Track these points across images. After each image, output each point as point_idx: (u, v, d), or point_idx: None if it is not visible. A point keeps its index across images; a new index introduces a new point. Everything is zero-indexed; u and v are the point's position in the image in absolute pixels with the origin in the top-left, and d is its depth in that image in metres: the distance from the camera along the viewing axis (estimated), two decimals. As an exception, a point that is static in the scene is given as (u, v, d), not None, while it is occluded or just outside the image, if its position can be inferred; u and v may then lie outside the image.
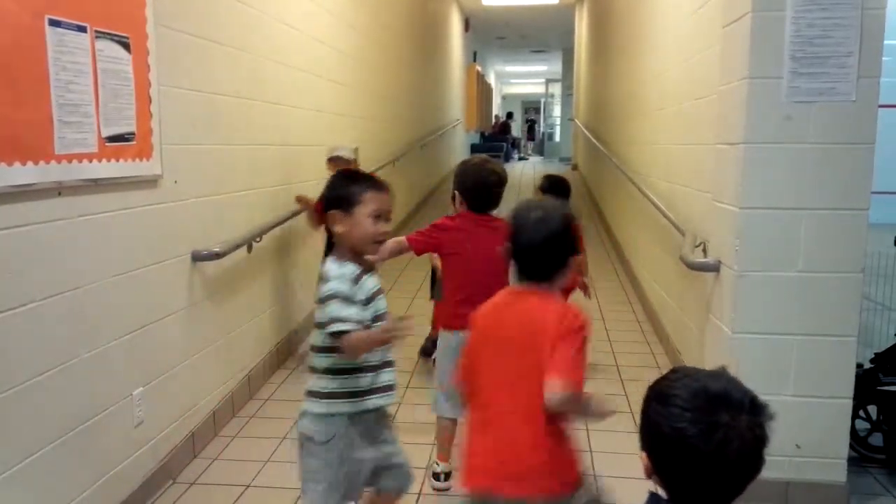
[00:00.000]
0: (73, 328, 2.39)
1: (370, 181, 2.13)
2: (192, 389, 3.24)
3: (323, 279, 2.07)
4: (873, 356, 3.17)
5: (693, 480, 1.14)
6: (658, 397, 1.18)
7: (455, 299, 2.88)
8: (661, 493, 1.22)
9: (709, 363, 3.06)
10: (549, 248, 1.82)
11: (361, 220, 2.07)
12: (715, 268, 2.96)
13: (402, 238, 2.98)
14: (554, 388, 1.69)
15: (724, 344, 2.83)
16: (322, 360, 2.11)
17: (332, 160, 4.40)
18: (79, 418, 2.43)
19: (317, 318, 2.07)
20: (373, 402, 2.15)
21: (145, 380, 2.83)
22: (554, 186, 4.04)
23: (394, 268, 6.76)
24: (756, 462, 1.13)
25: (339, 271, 2.06)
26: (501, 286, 2.85)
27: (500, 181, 2.94)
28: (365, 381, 2.12)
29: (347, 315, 2.00)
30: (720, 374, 1.20)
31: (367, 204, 2.07)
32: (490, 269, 2.86)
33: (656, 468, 1.19)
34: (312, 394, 2.13)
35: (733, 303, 2.75)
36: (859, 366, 2.93)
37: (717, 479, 1.13)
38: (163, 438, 2.97)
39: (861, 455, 3.09)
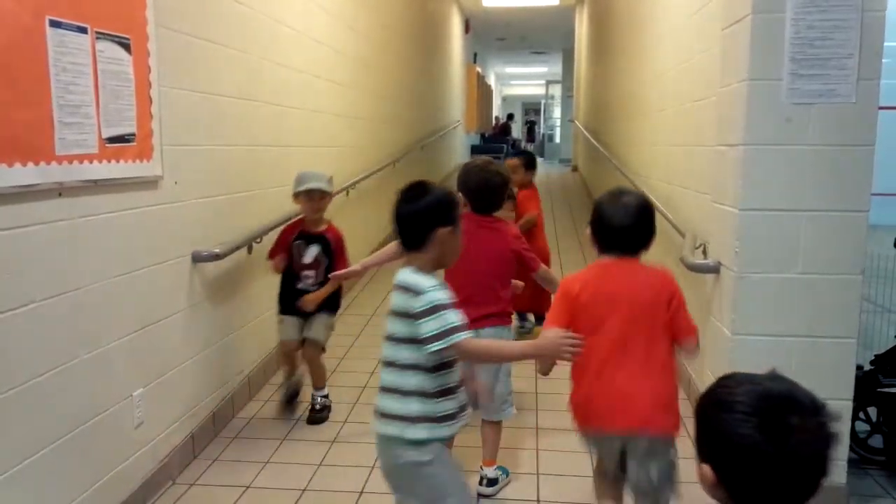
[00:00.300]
0: (74, 329, 2.39)
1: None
2: (192, 390, 3.24)
3: (411, 291, 1.95)
4: (873, 358, 3.17)
5: (766, 487, 1.10)
6: (720, 405, 1.13)
7: (456, 300, 2.88)
8: None
9: (709, 365, 3.06)
10: (642, 227, 2.26)
11: (459, 236, 2.07)
12: (715, 269, 2.96)
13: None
14: (692, 343, 2.18)
15: (723, 345, 2.84)
16: (431, 381, 1.96)
17: (307, 194, 3.49)
18: (79, 419, 2.43)
19: (414, 333, 1.93)
20: (460, 424, 2.05)
21: (145, 381, 2.84)
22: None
23: (394, 268, 6.77)
24: (827, 462, 1.12)
25: (431, 280, 1.98)
26: (504, 286, 2.88)
27: (504, 183, 2.96)
28: (456, 401, 2.02)
29: (460, 320, 1.93)
30: (778, 376, 1.16)
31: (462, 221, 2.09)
32: (491, 269, 2.87)
33: (722, 479, 1.13)
34: (405, 419, 1.97)
35: (733, 304, 2.76)
36: (859, 367, 2.93)
37: (792, 483, 1.10)
38: (163, 439, 2.97)
39: (861, 457, 3.09)
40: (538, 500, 2.90)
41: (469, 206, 2.93)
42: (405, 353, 1.97)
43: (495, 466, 2.96)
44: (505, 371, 2.92)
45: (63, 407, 2.34)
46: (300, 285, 3.60)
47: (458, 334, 1.91)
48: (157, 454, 2.94)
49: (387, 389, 2.01)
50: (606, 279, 2.23)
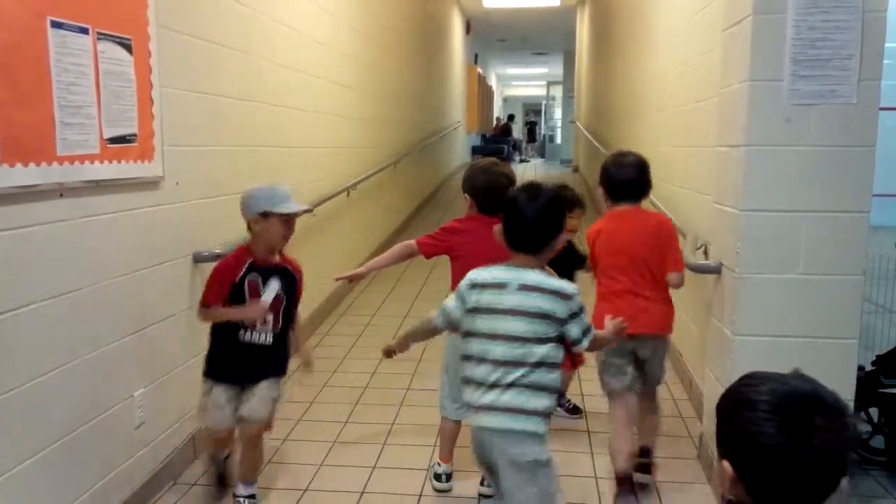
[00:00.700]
0: (75, 329, 2.39)
1: None
2: (193, 391, 3.22)
3: (559, 295, 2.05)
4: (874, 359, 3.17)
5: (786, 486, 1.10)
6: (743, 404, 1.13)
7: None
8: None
9: (710, 365, 3.06)
10: (641, 179, 2.88)
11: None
12: (716, 270, 2.96)
13: (412, 242, 2.98)
14: (676, 277, 2.80)
15: (725, 346, 2.83)
16: (556, 376, 2.09)
17: (286, 217, 2.72)
18: (80, 419, 2.43)
19: (558, 332, 2.06)
20: None
21: (146, 381, 2.84)
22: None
23: (395, 269, 6.77)
24: (847, 463, 1.12)
25: (571, 284, 2.12)
26: None
27: (510, 184, 2.92)
28: None
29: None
30: (802, 375, 1.16)
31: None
32: None
33: (742, 476, 1.13)
34: (538, 413, 2.05)
35: (734, 305, 2.75)
36: (860, 368, 2.93)
37: (812, 482, 1.10)
38: (164, 439, 2.98)
39: (862, 458, 3.09)
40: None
41: (475, 207, 2.93)
42: (543, 351, 2.04)
43: None
44: None
45: (64, 407, 2.34)
46: (250, 337, 2.72)
47: (593, 331, 2.13)
48: (158, 454, 2.94)
49: (520, 385, 2.04)
50: (618, 225, 2.85)
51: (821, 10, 2.56)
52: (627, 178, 2.86)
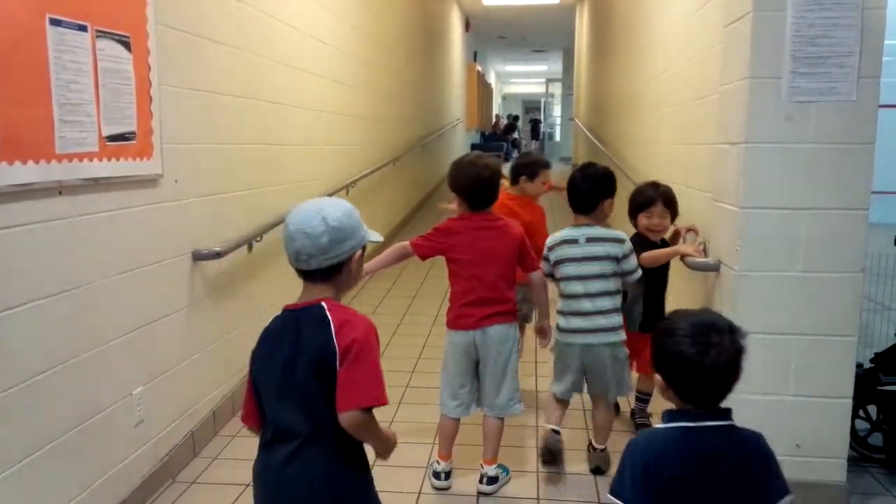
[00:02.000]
0: (74, 327, 2.39)
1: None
2: (192, 388, 3.24)
3: (616, 240, 2.95)
4: (873, 356, 3.17)
5: (697, 386, 1.57)
6: (665, 332, 1.61)
7: (462, 302, 2.89)
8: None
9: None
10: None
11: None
12: (715, 268, 2.96)
13: (406, 243, 2.97)
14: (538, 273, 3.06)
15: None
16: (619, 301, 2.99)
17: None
18: (79, 417, 2.43)
19: (619, 269, 2.94)
20: None
21: (146, 379, 2.84)
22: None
23: (393, 268, 6.77)
24: (739, 368, 1.58)
25: (622, 232, 3.02)
26: (508, 284, 2.86)
27: (494, 176, 2.90)
28: None
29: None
30: (707, 310, 1.74)
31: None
32: (496, 269, 2.86)
33: (670, 383, 1.61)
34: (621, 327, 2.98)
35: (734, 303, 2.75)
36: (859, 365, 2.93)
37: (714, 383, 1.56)
38: (163, 437, 2.98)
39: (861, 455, 3.10)
40: (538, 499, 2.90)
41: (465, 204, 2.91)
42: (613, 284, 2.95)
43: (496, 465, 2.96)
44: (512, 368, 2.91)
45: (63, 405, 2.35)
46: None
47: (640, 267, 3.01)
48: (158, 452, 2.94)
49: (606, 311, 2.92)
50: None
51: (820, 7, 2.55)
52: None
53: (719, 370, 1.54)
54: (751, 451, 1.57)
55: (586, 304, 2.92)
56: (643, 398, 3.49)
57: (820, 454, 2.75)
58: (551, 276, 3.03)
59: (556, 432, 3.02)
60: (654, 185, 3.41)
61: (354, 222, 1.72)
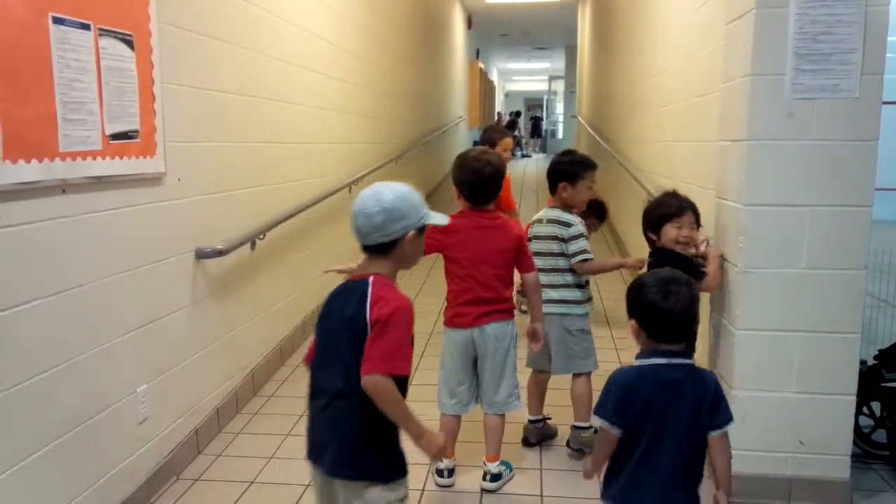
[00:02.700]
0: (78, 325, 2.40)
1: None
2: (195, 386, 3.24)
3: (565, 223, 3.14)
4: (877, 353, 3.16)
5: (662, 326, 1.94)
6: (637, 286, 2.01)
7: (459, 301, 2.89)
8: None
9: (712, 360, 3.06)
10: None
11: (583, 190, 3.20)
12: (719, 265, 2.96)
13: None
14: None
15: (727, 340, 2.83)
16: (574, 278, 3.17)
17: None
18: (83, 415, 2.44)
19: (569, 250, 3.13)
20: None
21: (149, 377, 2.84)
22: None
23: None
24: (695, 312, 1.96)
25: (577, 219, 3.18)
26: (504, 284, 2.86)
27: (496, 172, 2.87)
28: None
29: (589, 248, 3.15)
30: (668, 269, 2.05)
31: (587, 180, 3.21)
32: (492, 270, 2.85)
33: (641, 325, 1.98)
34: (574, 302, 3.17)
35: (737, 299, 2.75)
36: (863, 362, 2.92)
37: (675, 322, 1.94)
38: (167, 435, 2.98)
39: (864, 451, 3.10)
40: (542, 496, 2.90)
41: (464, 199, 2.91)
42: (563, 262, 3.15)
43: (498, 462, 2.96)
44: (511, 365, 2.91)
45: (67, 403, 2.35)
46: None
47: (587, 254, 3.13)
48: (162, 450, 2.95)
49: (556, 286, 3.15)
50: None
51: (823, 4, 2.55)
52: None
53: (678, 312, 1.92)
54: (706, 386, 1.95)
55: (542, 278, 3.04)
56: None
57: (824, 451, 2.75)
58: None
59: (533, 422, 3.33)
60: (676, 195, 2.99)
61: (409, 204, 1.91)
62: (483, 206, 2.89)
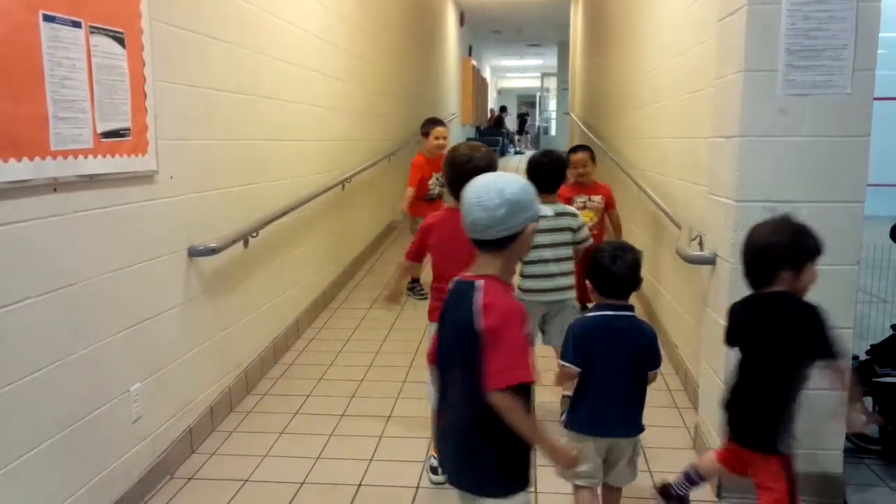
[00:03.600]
0: (70, 324, 2.39)
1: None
2: (189, 385, 3.24)
3: (572, 214, 3.45)
4: (869, 348, 3.18)
5: (610, 284, 2.36)
6: (595, 253, 2.41)
7: (438, 296, 2.89)
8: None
9: (705, 356, 3.07)
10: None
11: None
12: (711, 261, 2.97)
13: (403, 258, 3.04)
14: None
15: (720, 336, 2.84)
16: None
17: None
18: (76, 414, 2.43)
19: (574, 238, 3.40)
20: None
21: (142, 375, 2.83)
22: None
23: (391, 263, 6.76)
24: (637, 274, 2.36)
25: (573, 209, 3.56)
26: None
27: (477, 170, 2.71)
28: None
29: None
30: (620, 240, 2.66)
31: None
32: (467, 261, 2.84)
33: (594, 286, 2.39)
34: (573, 286, 3.45)
35: (729, 296, 2.75)
36: (854, 358, 2.94)
37: (620, 282, 2.35)
38: (160, 434, 2.98)
39: (857, 446, 3.11)
40: (536, 492, 2.90)
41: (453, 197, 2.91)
42: (568, 251, 3.39)
43: None
44: None
45: (60, 402, 2.34)
46: None
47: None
48: (155, 449, 2.94)
49: (564, 273, 3.39)
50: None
51: (815, 0, 2.55)
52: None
53: (622, 273, 2.34)
54: (645, 336, 2.39)
55: (553, 268, 3.36)
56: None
57: (816, 446, 2.76)
58: None
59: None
60: (808, 231, 2.31)
61: (530, 196, 1.80)
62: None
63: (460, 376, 1.80)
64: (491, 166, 2.86)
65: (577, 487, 2.49)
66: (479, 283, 1.78)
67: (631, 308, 2.40)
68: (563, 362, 2.38)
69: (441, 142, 5.57)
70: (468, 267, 2.79)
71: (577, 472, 2.38)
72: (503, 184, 1.76)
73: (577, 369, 2.36)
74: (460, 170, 2.80)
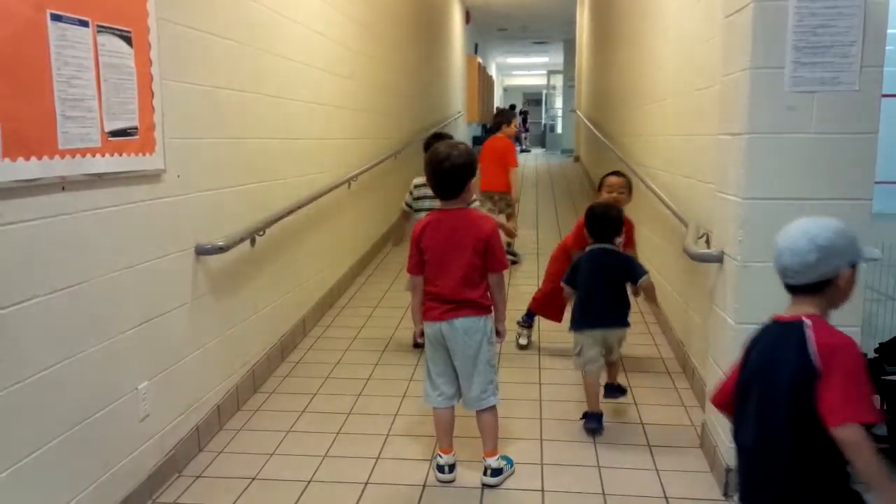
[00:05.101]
0: (79, 322, 2.40)
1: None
2: (196, 383, 3.25)
3: None
4: (877, 346, 3.17)
5: (598, 229, 3.47)
6: (590, 210, 3.54)
7: (429, 296, 2.92)
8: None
9: (712, 354, 3.07)
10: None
11: None
12: (718, 259, 2.96)
13: (409, 275, 3.04)
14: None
15: (727, 334, 2.83)
16: None
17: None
18: (85, 412, 2.44)
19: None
20: None
21: (150, 374, 2.85)
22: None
23: (394, 263, 6.77)
24: (621, 225, 3.50)
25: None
26: (473, 281, 2.83)
27: (454, 168, 2.82)
28: None
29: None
30: (606, 202, 3.85)
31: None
32: (459, 270, 2.83)
33: (590, 233, 3.49)
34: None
35: (736, 293, 2.75)
36: (863, 356, 2.92)
37: (605, 227, 3.47)
38: (168, 432, 2.99)
39: (864, 445, 3.09)
40: (542, 491, 2.91)
41: (436, 197, 2.92)
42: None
43: (497, 456, 2.97)
44: (483, 361, 2.90)
45: (69, 400, 2.35)
46: None
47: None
48: (163, 446, 2.95)
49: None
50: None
51: (822, -3, 2.54)
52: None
53: (608, 220, 3.46)
54: (625, 260, 3.48)
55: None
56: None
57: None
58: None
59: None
60: None
61: (846, 241, 1.75)
62: (448, 200, 2.89)
63: (774, 420, 1.76)
64: (469, 164, 2.86)
65: (585, 374, 3.42)
66: (808, 322, 1.73)
67: (615, 244, 3.48)
68: (563, 283, 3.53)
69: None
70: (461, 270, 2.82)
71: (581, 361, 3.40)
72: (816, 230, 1.75)
73: (571, 290, 3.49)
74: (438, 168, 2.83)
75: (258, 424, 3.53)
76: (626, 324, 3.46)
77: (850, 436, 1.62)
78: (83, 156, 2.36)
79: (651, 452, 3.14)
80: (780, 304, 2.70)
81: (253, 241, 3.73)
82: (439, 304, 2.88)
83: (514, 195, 6.55)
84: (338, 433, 3.42)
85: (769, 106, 2.63)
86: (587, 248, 3.47)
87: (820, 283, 1.76)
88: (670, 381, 3.98)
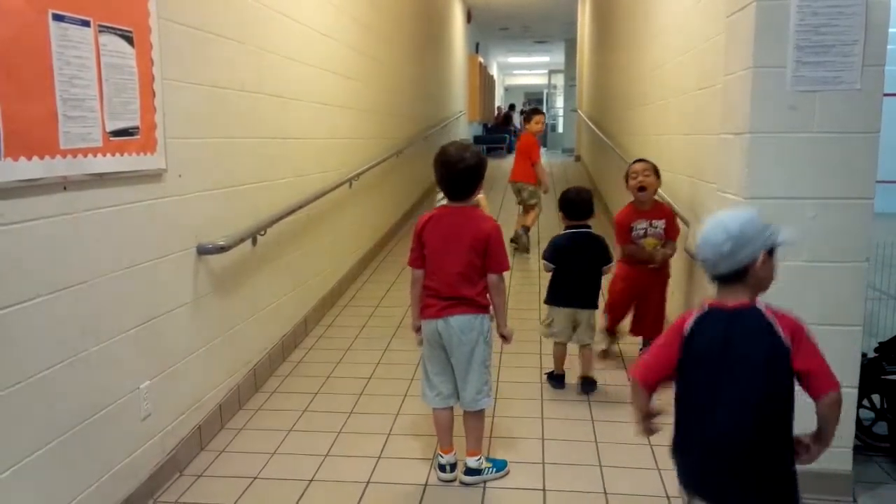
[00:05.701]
0: (80, 322, 2.40)
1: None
2: (198, 382, 3.25)
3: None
4: (878, 345, 3.16)
5: (574, 210, 3.87)
6: (564, 193, 3.94)
7: (427, 293, 2.94)
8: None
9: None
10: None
11: None
12: (719, 258, 2.95)
13: (410, 269, 3.04)
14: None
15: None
16: None
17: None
18: (86, 412, 2.44)
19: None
20: None
21: (152, 373, 2.85)
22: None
23: (396, 261, 6.77)
24: (592, 206, 3.92)
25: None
26: (471, 279, 2.83)
27: (468, 169, 2.83)
28: None
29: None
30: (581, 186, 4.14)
31: None
32: (457, 267, 2.83)
33: (565, 215, 3.88)
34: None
35: (738, 293, 2.75)
36: (863, 355, 2.92)
37: (579, 209, 3.86)
38: (170, 431, 2.99)
39: (865, 444, 3.10)
40: (544, 490, 2.91)
41: (445, 196, 2.93)
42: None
43: (479, 457, 2.96)
44: (479, 361, 2.89)
45: (70, 400, 2.36)
46: None
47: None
48: (165, 446, 2.95)
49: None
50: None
51: (824, -4, 2.54)
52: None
53: (581, 201, 3.84)
54: (598, 241, 3.82)
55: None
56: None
57: (825, 443, 2.75)
58: None
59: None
60: None
61: (757, 229, 1.86)
62: (458, 200, 2.89)
63: (763, 399, 1.86)
64: (481, 166, 2.88)
65: (555, 344, 3.92)
66: (760, 306, 1.88)
67: (589, 227, 3.84)
68: (544, 261, 3.87)
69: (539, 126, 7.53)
70: (458, 267, 2.82)
71: (551, 332, 3.87)
72: (727, 221, 1.87)
73: (551, 267, 3.83)
74: (453, 169, 2.84)
75: (260, 424, 3.53)
76: (595, 306, 3.84)
77: (838, 398, 1.84)
78: (84, 156, 2.36)
79: (652, 451, 3.14)
80: (781, 303, 2.70)
81: (254, 241, 3.74)
82: (436, 300, 2.88)
83: (544, 187, 7.34)
84: (339, 432, 3.42)
85: (771, 105, 2.63)
86: (567, 230, 3.83)
87: (741, 271, 1.86)
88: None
